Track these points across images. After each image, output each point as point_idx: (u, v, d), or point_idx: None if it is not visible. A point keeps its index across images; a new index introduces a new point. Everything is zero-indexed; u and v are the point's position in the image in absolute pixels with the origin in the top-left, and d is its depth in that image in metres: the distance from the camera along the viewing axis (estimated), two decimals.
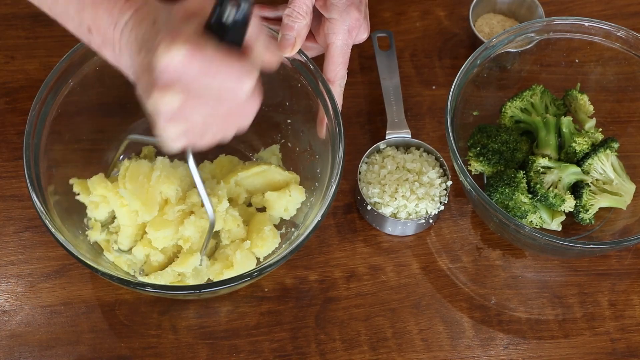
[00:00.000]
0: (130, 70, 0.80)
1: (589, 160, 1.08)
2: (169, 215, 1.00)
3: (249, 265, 1.00)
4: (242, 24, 0.73)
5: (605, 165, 1.08)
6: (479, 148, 1.10)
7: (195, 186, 0.94)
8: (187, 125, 0.77)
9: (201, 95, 0.74)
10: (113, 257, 1.01)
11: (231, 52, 0.73)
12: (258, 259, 1.02)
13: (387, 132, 1.13)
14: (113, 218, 1.04)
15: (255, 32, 0.76)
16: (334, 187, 0.96)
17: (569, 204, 1.06)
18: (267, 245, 1.02)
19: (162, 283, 0.99)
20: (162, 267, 1.02)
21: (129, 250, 1.03)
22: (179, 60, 0.72)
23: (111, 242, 1.03)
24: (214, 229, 0.98)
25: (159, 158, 1.03)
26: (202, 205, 0.98)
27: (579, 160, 1.09)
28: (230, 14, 0.72)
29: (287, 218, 1.05)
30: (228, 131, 0.81)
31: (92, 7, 0.80)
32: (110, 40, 0.80)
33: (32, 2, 0.86)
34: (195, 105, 0.75)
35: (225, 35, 0.73)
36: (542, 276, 1.09)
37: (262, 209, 1.07)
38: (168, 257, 1.02)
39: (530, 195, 1.07)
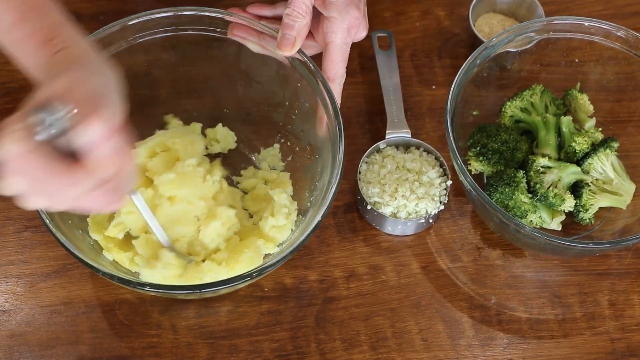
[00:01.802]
0: None
1: (589, 160, 1.08)
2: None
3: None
4: (61, 134, 0.71)
5: (605, 164, 1.08)
6: (478, 148, 1.10)
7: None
8: (50, 199, 0.75)
9: (40, 184, 0.73)
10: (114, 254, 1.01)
11: (56, 161, 0.71)
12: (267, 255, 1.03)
13: (387, 131, 1.13)
14: None
15: (93, 142, 0.72)
16: (334, 187, 0.96)
17: (569, 203, 1.06)
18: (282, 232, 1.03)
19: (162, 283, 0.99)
20: None
21: None
22: (7, 155, 0.71)
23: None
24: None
25: None
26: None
27: (579, 160, 1.09)
28: (47, 125, 0.71)
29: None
30: (100, 208, 0.78)
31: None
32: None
33: None
34: (42, 190, 0.74)
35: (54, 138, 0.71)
36: (542, 276, 1.09)
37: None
38: None
39: (530, 195, 1.07)
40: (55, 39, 0.76)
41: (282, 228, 1.03)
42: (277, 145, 1.12)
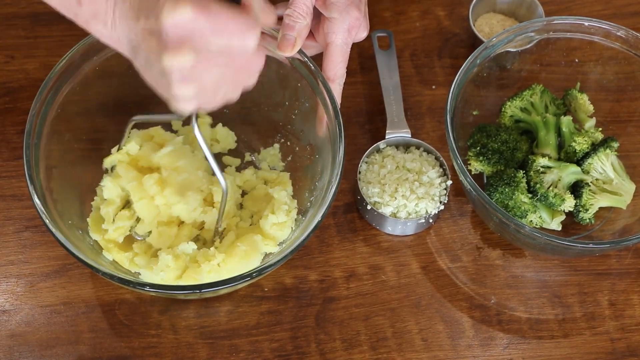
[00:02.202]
0: (126, 42, 0.79)
1: (589, 160, 1.08)
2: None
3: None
4: None
5: (605, 164, 1.08)
6: (478, 147, 1.10)
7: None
8: (200, 85, 0.77)
9: (211, 52, 0.75)
10: (114, 254, 1.01)
11: (234, 7, 0.75)
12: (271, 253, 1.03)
13: (387, 131, 1.13)
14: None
15: None
16: (334, 187, 0.96)
17: (569, 203, 1.06)
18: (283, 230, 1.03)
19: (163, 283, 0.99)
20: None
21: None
22: (187, 18, 0.72)
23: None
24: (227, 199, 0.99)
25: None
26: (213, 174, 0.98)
27: (579, 160, 1.09)
28: None
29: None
30: (236, 89, 0.82)
31: None
32: (103, 11, 0.79)
33: None
34: (207, 63, 0.76)
35: None
36: (542, 276, 1.09)
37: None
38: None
39: (530, 195, 1.07)
40: None
41: (282, 225, 1.03)
42: (277, 145, 1.12)
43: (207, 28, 0.73)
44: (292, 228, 1.04)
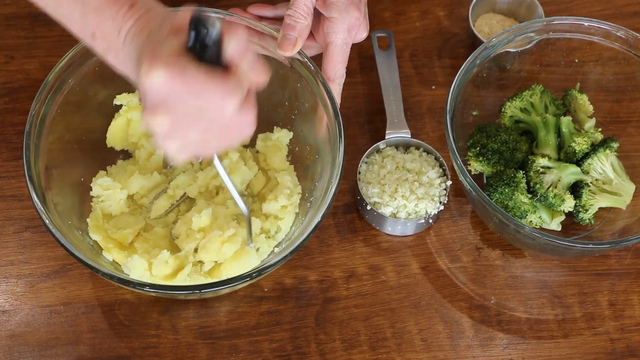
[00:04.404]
0: (133, 77, 0.80)
1: (589, 160, 1.08)
2: None
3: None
4: (216, 44, 0.74)
5: (604, 165, 1.08)
6: (478, 148, 1.10)
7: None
8: (183, 141, 0.77)
9: (188, 114, 0.74)
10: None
11: (213, 71, 0.73)
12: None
13: (386, 132, 1.13)
14: None
15: (240, 50, 0.75)
16: (334, 187, 0.96)
17: (569, 203, 1.06)
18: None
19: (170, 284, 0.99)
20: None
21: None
22: (161, 81, 0.72)
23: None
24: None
25: None
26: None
27: (579, 160, 1.09)
28: (203, 37, 0.73)
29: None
30: (228, 143, 0.81)
31: (96, 13, 0.79)
32: (114, 46, 0.80)
33: (34, 3, 0.85)
34: (186, 124, 0.75)
35: (204, 54, 0.74)
36: (541, 276, 1.09)
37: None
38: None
39: (529, 195, 1.07)
40: (137, 4, 0.79)
41: (283, 210, 1.03)
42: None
43: (182, 91, 0.73)
44: (295, 213, 1.04)
